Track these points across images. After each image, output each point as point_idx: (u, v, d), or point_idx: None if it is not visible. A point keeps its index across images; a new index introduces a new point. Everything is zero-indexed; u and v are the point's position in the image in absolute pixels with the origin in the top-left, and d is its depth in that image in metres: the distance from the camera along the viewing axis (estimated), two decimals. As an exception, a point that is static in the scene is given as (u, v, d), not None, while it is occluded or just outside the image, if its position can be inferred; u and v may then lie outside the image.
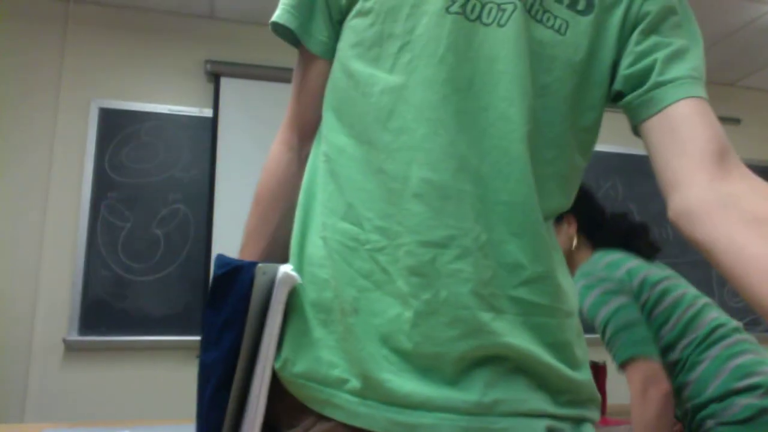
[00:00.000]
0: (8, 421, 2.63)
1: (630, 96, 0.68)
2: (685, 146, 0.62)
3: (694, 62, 0.67)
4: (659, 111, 0.65)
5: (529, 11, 0.66)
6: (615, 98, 0.72)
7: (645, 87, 0.67)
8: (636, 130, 0.69)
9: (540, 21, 0.66)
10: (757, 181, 0.59)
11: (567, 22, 0.67)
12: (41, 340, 2.72)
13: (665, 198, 0.64)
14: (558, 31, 0.66)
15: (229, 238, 2.91)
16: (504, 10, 0.64)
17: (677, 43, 0.67)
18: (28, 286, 2.75)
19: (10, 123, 2.86)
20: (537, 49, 0.66)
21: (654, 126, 0.65)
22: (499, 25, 0.64)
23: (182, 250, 2.92)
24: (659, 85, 0.66)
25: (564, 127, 0.67)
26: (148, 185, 2.94)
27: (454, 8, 0.64)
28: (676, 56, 0.67)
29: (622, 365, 1.24)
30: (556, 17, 0.67)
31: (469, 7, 0.64)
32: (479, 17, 0.64)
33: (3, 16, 2.95)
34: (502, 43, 0.64)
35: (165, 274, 2.88)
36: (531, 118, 0.64)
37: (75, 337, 2.72)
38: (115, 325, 2.77)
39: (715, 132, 0.62)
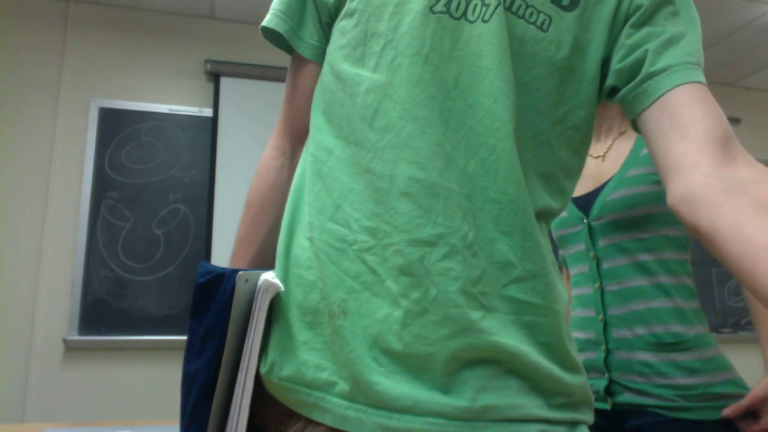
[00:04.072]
0: (8, 421, 2.63)
1: (624, 90, 0.67)
2: (687, 131, 0.60)
3: (688, 47, 0.65)
4: (655, 101, 0.63)
5: (510, 7, 0.65)
6: (610, 93, 0.70)
7: (637, 79, 0.65)
8: (635, 125, 0.68)
9: (522, 16, 0.65)
10: (764, 168, 0.57)
11: (550, 18, 0.66)
12: (41, 340, 2.72)
13: (664, 184, 0.61)
14: (540, 27, 0.65)
15: (229, 238, 2.91)
16: (488, 5, 0.64)
17: (671, 30, 0.65)
18: (28, 286, 2.75)
19: (10, 123, 2.86)
20: (517, 46, 0.65)
21: (652, 115, 0.63)
22: (484, 21, 0.63)
23: (182, 250, 2.93)
24: (651, 75, 0.64)
25: (545, 125, 0.66)
26: (148, 185, 2.94)
27: (438, 7, 0.64)
28: (669, 44, 0.65)
29: None
30: (539, 12, 0.65)
31: (453, 5, 0.64)
32: (464, 14, 0.64)
33: (3, 15, 2.95)
34: (487, 38, 0.63)
35: (165, 274, 2.88)
36: (516, 115, 0.63)
37: (75, 337, 2.72)
38: (115, 325, 2.77)
39: (717, 117, 0.60)
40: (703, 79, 0.64)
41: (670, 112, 0.62)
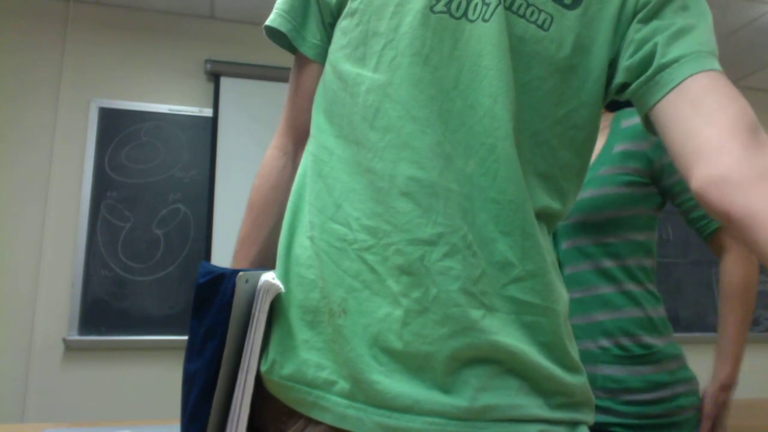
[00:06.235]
0: (8, 421, 2.63)
1: (634, 85, 0.65)
2: (712, 117, 0.57)
3: (699, 37, 0.63)
4: (670, 91, 0.61)
5: (511, 6, 0.65)
6: (619, 91, 0.69)
7: (648, 73, 0.63)
8: (648, 122, 0.66)
9: (522, 15, 0.65)
10: None
11: (552, 17, 0.65)
12: (41, 340, 2.72)
13: (687, 170, 0.57)
14: (541, 26, 0.65)
15: (229, 238, 2.91)
16: (488, 5, 0.64)
17: (680, 23, 0.63)
18: (28, 286, 2.75)
19: (10, 123, 2.86)
20: (517, 46, 0.64)
21: (668, 104, 0.61)
22: (484, 20, 0.63)
23: (182, 250, 2.93)
24: (663, 67, 0.62)
25: (545, 125, 0.66)
26: (148, 185, 2.94)
27: (439, 7, 0.64)
28: (679, 35, 0.63)
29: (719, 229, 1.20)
30: (540, 11, 0.65)
31: (454, 4, 0.64)
32: (465, 14, 0.64)
33: (3, 15, 2.95)
34: (487, 38, 0.63)
35: (165, 274, 2.88)
36: (515, 115, 0.63)
37: (75, 337, 2.72)
38: (115, 325, 2.77)
39: (743, 104, 0.58)
40: (719, 67, 0.61)
41: (690, 99, 0.59)
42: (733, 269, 1.18)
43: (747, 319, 1.18)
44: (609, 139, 1.23)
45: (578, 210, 1.19)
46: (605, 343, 1.15)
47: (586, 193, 1.18)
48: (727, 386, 1.15)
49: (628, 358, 1.13)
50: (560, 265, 1.21)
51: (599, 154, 1.22)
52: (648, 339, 1.14)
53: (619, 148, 1.20)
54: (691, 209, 1.19)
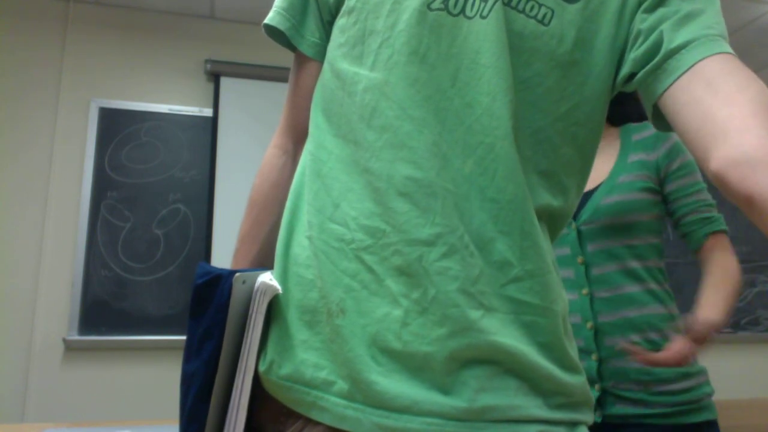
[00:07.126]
0: (8, 421, 2.63)
1: (641, 73, 0.63)
2: (730, 98, 0.54)
3: (707, 21, 0.61)
4: (680, 76, 0.59)
5: (510, 2, 0.64)
6: (627, 81, 0.67)
7: (656, 60, 0.61)
8: (656, 114, 0.64)
9: (522, 11, 0.64)
10: None
11: (552, 11, 0.64)
12: (41, 340, 2.72)
13: (705, 152, 0.54)
14: (541, 21, 0.64)
15: (229, 238, 2.91)
16: (486, 1, 0.63)
17: (687, 8, 0.62)
18: (28, 286, 2.75)
19: (10, 123, 2.86)
20: (516, 42, 0.63)
21: (679, 89, 0.59)
22: (482, 17, 0.63)
23: (182, 250, 2.93)
24: (672, 53, 0.60)
25: (546, 122, 0.65)
26: (148, 185, 2.94)
27: (436, 4, 0.63)
28: (686, 20, 0.61)
29: (723, 231, 1.28)
30: (540, 6, 0.64)
31: (451, 2, 0.63)
32: (462, 11, 0.63)
33: (3, 15, 2.95)
34: (485, 35, 0.62)
35: (165, 274, 2.88)
36: (514, 113, 0.62)
37: (75, 337, 2.72)
38: (115, 325, 2.77)
39: (761, 86, 0.55)
40: (731, 50, 0.60)
41: (705, 82, 0.57)
42: (722, 259, 1.24)
43: (735, 297, 1.21)
44: (623, 151, 1.32)
45: (607, 214, 1.26)
46: (635, 338, 1.21)
47: (612, 198, 1.26)
48: (716, 324, 1.14)
49: (657, 352, 1.18)
50: (587, 266, 1.27)
51: (616, 164, 1.30)
52: (673, 333, 1.21)
53: (634, 158, 1.29)
54: (686, 214, 1.28)
